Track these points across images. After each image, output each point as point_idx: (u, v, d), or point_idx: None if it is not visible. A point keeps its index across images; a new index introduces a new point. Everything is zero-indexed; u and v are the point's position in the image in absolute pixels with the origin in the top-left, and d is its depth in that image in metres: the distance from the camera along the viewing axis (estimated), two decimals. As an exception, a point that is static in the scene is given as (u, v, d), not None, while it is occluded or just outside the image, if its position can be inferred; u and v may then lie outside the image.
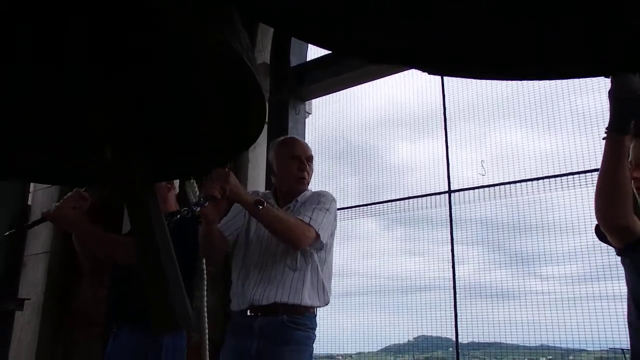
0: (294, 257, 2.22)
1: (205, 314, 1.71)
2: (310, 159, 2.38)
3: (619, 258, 1.59)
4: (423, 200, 3.89)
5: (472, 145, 4.08)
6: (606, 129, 1.39)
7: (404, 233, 4.63)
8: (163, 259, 1.21)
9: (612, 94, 1.32)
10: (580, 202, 3.66)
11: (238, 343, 2.18)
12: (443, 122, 3.84)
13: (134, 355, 2.16)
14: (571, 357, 5.85)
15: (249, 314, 2.18)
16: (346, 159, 4.83)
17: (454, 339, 4.61)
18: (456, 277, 4.06)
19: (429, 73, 0.74)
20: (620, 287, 3.55)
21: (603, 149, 1.40)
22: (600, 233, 1.57)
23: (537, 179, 3.55)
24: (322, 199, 2.30)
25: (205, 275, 1.94)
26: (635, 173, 1.48)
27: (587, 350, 5.03)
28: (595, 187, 1.43)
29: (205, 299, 1.82)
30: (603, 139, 1.38)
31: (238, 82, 0.81)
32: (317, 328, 2.25)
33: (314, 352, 2.27)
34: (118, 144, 1.04)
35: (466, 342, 4.65)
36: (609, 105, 1.33)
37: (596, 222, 1.56)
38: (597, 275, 3.69)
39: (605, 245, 1.63)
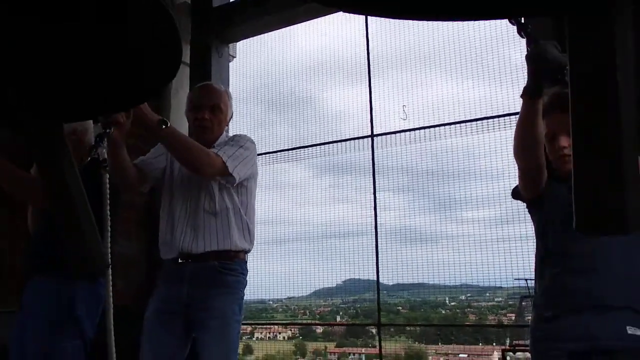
0: (212, 200, 2.19)
1: (110, 263, 1.70)
2: (215, 106, 2.26)
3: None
4: (348, 144, 3.95)
5: (397, 92, 4.15)
6: (522, 91, 1.52)
7: (332, 181, 4.71)
8: (77, 205, 1.17)
9: (529, 59, 1.42)
10: (497, 149, 3.85)
11: (169, 290, 2.17)
12: (367, 69, 3.86)
13: (48, 304, 2.10)
14: (488, 294, 6.30)
15: (179, 261, 2.17)
16: (274, 105, 4.79)
17: (380, 280, 4.80)
18: (380, 222, 4.19)
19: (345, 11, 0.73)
20: (531, 229, 3.79)
21: (520, 109, 1.57)
22: (515, 193, 1.77)
23: (455, 122, 3.66)
24: (236, 138, 2.25)
25: (109, 222, 1.90)
26: (555, 143, 1.65)
27: (502, 287, 5.42)
28: (513, 138, 1.61)
29: (109, 247, 1.79)
30: (521, 96, 1.51)
31: (151, 19, 0.78)
32: (247, 274, 2.27)
33: (245, 297, 2.31)
34: (21, 84, 0.98)
35: (392, 283, 4.87)
36: (526, 70, 1.45)
37: (513, 184, 1.78)
38: (512, 218, 3.91)
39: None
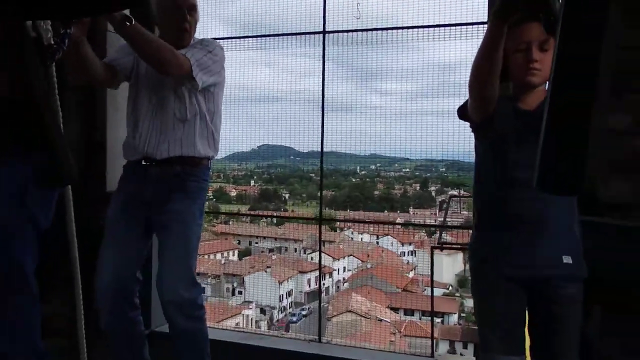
0: (183, 107, 2.16)
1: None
2: (192, 7, 2.20)
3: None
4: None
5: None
6: (492, 13, 1.46)
7: (255, 43, 4.54)
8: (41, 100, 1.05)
9: None
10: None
11: (132, 190, 2.18)
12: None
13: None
14: (396, 165, 6.64)
15: (143, 163, 2.17)
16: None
17: (295, 148, 4.87)
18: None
19: None
20: (444, 105, 3.89)
21: (486, 32, 1.51)
22: (462, 113, 1.71)
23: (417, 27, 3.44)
24: (204, 42, 2.19)
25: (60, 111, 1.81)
26: (527, 54, 1.58)
27: (409, 159, 5.70)
28: (472, 65, 1.56)
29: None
30: (489, 19, 1.48)
31: None
32: (209, 180, 2.34)
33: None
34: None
35: (306, 151, 4.97)
36: None
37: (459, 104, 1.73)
38: (426, 93, 4.01)
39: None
